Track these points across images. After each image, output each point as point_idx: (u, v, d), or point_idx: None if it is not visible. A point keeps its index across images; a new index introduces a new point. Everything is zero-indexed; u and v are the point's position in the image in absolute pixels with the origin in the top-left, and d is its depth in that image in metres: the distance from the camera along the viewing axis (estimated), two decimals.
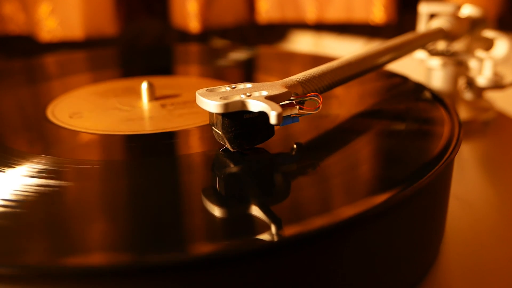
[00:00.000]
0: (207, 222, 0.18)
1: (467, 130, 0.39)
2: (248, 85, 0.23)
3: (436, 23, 0.37)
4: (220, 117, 0.22)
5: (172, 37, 0.70)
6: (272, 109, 0.20)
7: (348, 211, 0.18)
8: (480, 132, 0.39)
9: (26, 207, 0.19)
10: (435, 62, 0.40)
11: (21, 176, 0.21)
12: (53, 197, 0.20)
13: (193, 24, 0.60)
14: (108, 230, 0.18)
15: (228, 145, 0.22)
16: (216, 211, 0.19)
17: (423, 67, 0.41)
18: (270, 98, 0.21)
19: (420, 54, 0.40)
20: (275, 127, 0.23)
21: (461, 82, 0.41)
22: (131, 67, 0.45)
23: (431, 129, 0.27)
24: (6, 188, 0.20)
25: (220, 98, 0.21)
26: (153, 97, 0.31)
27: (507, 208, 0.29)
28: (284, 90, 0.22)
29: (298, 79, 0.24)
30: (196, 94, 0.22)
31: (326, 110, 0.29)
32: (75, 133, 0.27)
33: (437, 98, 0.31)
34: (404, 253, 0.21)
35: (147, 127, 0.27)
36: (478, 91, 0.40)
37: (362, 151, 0.24)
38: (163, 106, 0.30)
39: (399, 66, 0.39)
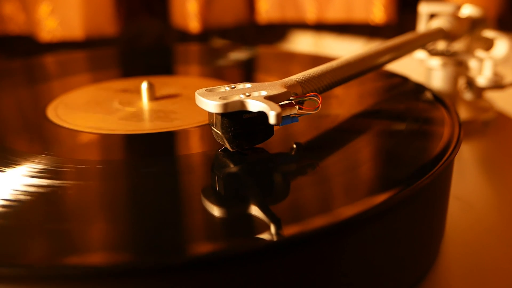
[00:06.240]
0: (207, 222, 0.18)
1: (467, 130, 0.39)
2: (248, 85, 0.23)
3: (436, 23, 0.37)
4: (219, 117, 0.22)
5: (172, 37, 0.70)
6: (272, 109, 0.20)
7: (348, 211, 0.18)
8: (480, 132, 0.39)
9: (26, 207, 0.19)
10: (435, 62, 0.40)
11: (21, 176, 0.21)
12: (53, 197, 0.20)
13: (193, 24, 0.60)
14: (108, 230, 0.18)
15: (227, 145, 0.22)
16: (216, 211, 0.19)
17: (423, 67, 0.41)
18: (269, 98, 0.21)
19: (420, 54, 0.40)
20: (275, 127, 0.23)
21: (461, 82, 0.41)
22: (131, 67, 0.45)
23: (431, 129, 0.27)
24: (6, 188, 0.20)
25: (220, 98, 0.21)
26: (153, 97, 0.31)
27: (507, 208, 0.29)
28: (284, 90, 0.22)
29: (297, 79, 0.24)
30: (196, 94, 0.22)
31: (326, 110, 0.29)
32: (75, 133, 0.27)
33: (437, 98, 0.31)
34: (404, 253, 0.21)
35: (147, 127, 0.27)
36: (478, 91, 0.40)
37: (362, 151, 0.24)
38: (163, 106, 0.30)
39: (399, 66, 0.39)
